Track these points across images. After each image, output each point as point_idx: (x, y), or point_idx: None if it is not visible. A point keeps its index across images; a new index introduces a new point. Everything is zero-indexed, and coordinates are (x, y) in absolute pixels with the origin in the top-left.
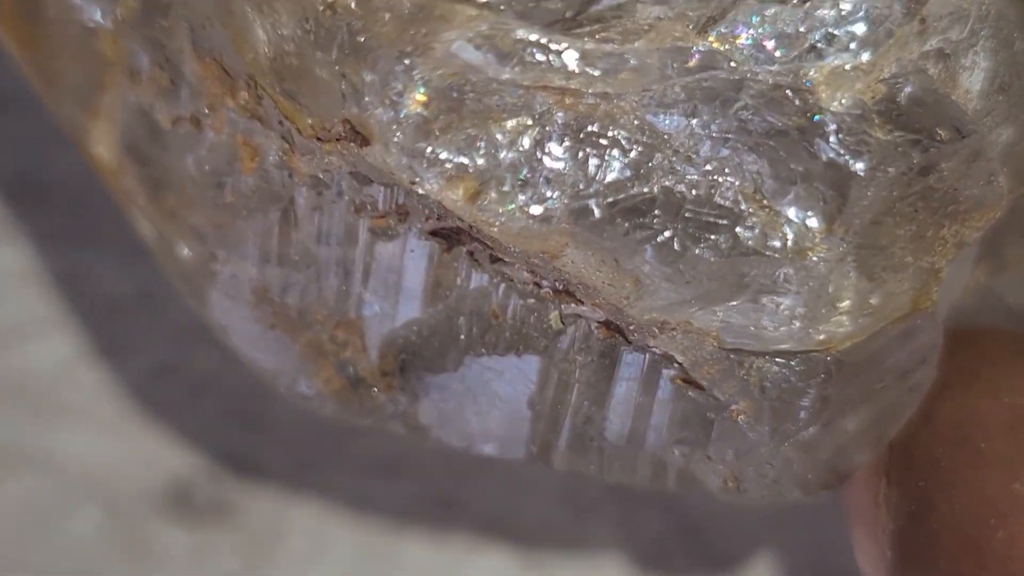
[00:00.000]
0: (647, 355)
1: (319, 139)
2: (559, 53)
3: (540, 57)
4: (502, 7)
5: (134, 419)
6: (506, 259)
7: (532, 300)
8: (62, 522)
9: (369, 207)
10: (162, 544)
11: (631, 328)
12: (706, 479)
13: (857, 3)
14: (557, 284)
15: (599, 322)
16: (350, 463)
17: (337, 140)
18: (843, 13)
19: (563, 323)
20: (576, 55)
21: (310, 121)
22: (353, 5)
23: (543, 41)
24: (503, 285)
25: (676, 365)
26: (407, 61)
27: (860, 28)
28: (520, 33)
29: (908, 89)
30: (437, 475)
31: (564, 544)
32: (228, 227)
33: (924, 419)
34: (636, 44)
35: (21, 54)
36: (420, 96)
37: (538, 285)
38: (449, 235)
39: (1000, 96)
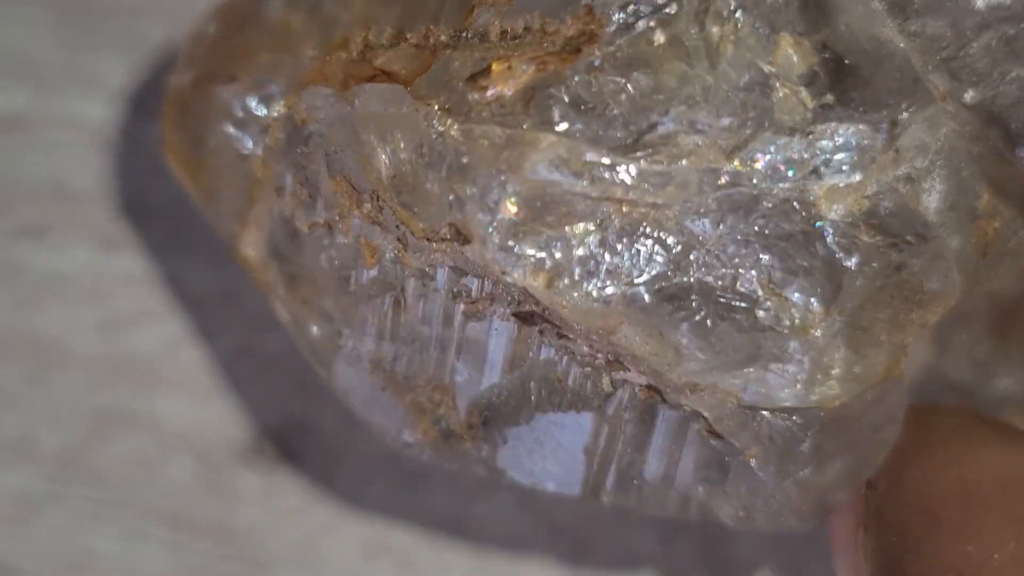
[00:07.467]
0: (680, 412)
1: (428, 239)
2: (620, 171)
3: (605, 175)
4: (576, 135)
5: (220, 389)
6: (570, 336)
7: (589, 369)
8: (163, 469)
9: (464, 294)
10: (241, 486)
11: (668, 390)
12: (722, 511)
13: (848, 137)
14: (609, 356)
15: (642, 386)
16: None
17: (443, 240)
18: (838, 143)
19: (613, 387)
20: (633, 173)
21: (422, 225)
22: (458, 135)
23: (607, 162)
24: (566, 357)
25: (703, 419)
26: (502, 177)
27: (851, 155)
28: (590, 156)
29: (885, 204)
30: None
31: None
32: (352, 310)
33: (894, 485)
34: (680, 164)
35: (186, 178)
36: (511, 205)
37: (594, 356)
38: (525, 317)
39: (951, 212)
